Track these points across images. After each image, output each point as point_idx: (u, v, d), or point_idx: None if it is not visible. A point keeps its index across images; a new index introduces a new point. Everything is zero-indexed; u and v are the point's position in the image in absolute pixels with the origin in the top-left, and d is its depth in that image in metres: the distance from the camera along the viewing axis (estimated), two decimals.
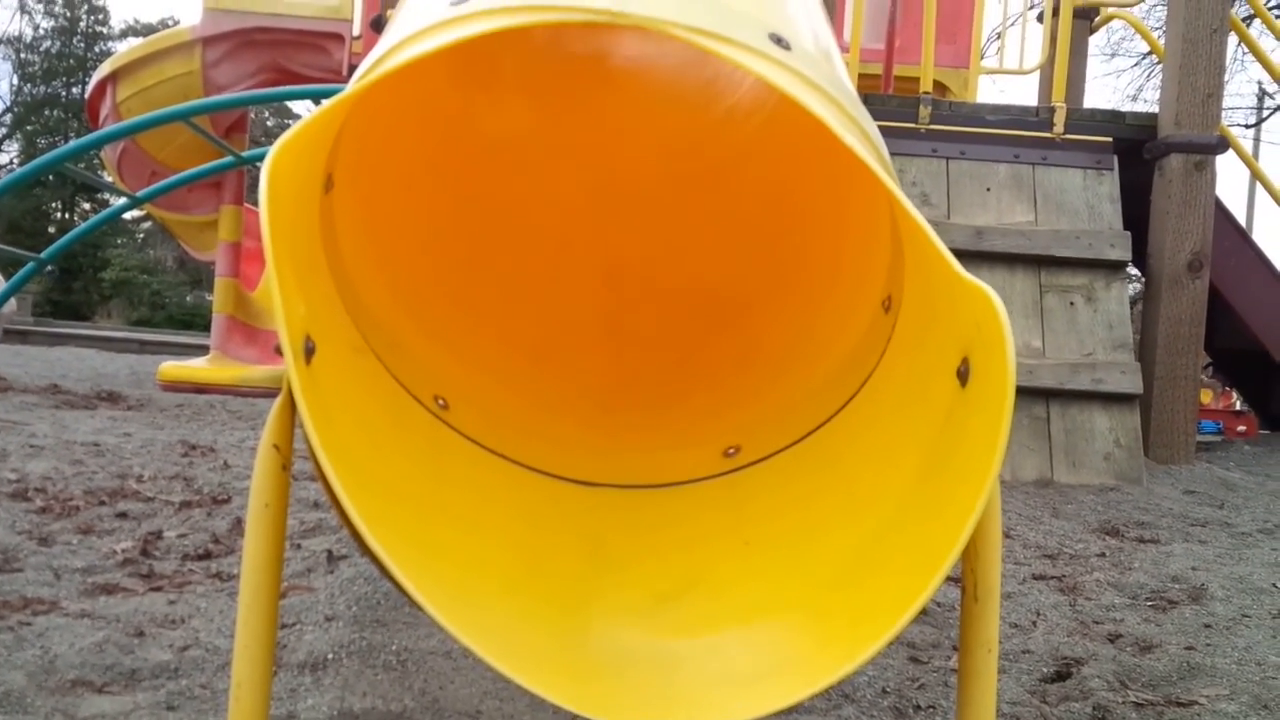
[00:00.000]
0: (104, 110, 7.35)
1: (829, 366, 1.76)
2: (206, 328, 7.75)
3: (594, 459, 1.80)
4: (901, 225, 1.44)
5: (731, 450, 1.78)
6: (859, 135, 1.25)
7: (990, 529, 1.29)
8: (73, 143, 6.04)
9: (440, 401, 1.72)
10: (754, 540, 1.61)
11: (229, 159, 6.42)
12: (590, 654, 1.39)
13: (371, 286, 1.74)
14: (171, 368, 7.09)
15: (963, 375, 1.29)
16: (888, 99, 5.37)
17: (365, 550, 1.31)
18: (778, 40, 1.19)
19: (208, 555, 2.28)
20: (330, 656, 1.67)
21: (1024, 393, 4.52)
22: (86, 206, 31.82)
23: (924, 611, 2.21)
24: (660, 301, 2.10)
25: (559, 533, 1.64)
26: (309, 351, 1.27)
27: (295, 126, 1.17)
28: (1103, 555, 3.02)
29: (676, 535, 1.68)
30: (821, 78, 1.22)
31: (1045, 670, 1.96)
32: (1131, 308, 5.18)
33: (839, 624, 1.34)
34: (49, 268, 6.90)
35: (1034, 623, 2.26)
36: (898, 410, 1.53)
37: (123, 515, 2.59)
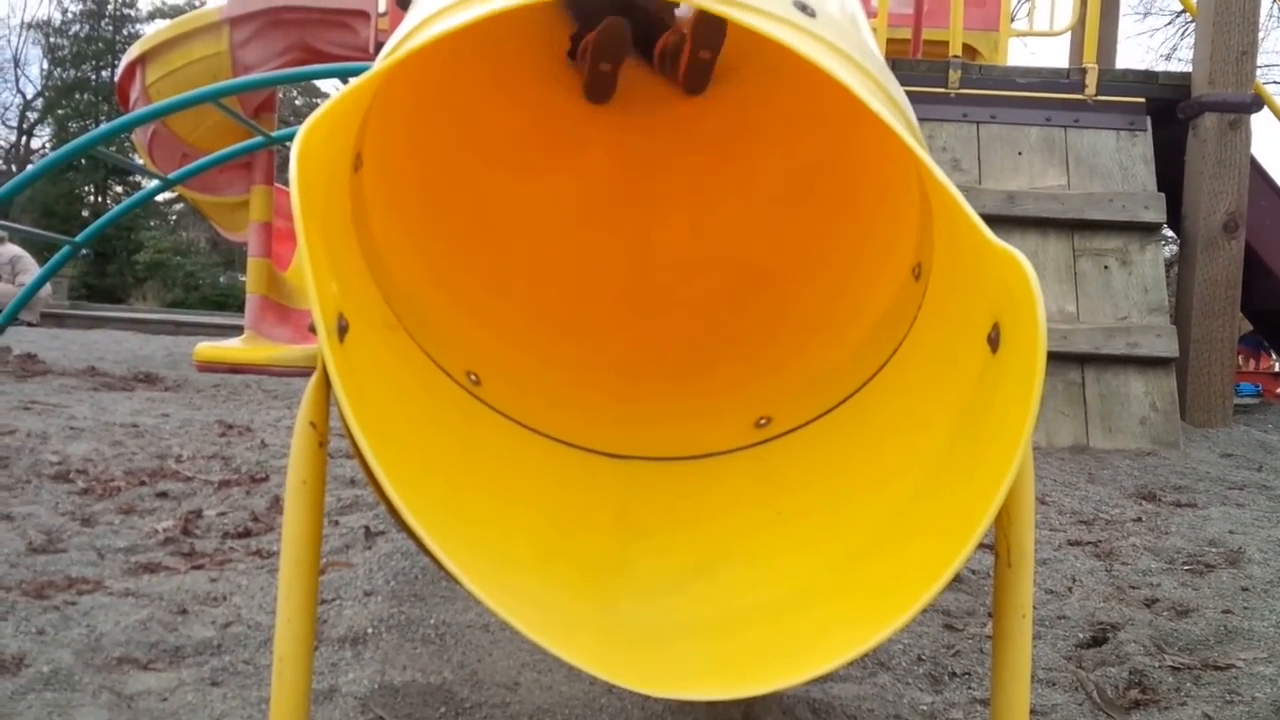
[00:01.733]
0: (134, 93, 7.39)
1: (859, 335, 1.76)
2: (240, 308, 7.80)
3: (624, 431, 1.81)
4: (930, 192, 1.44)
5: (762, 421, 1.78)
6: (886, 102, 1.24)
7: (1023, 494, 1.29)
8: (103, 126, 6.08)
9: (472, 376, 1.73)
10: (785, 510, 1.61)
11: (259, 139, 6.44)
12: (622, 624, 1.41)
13: (403, 263, 1.75)
14: (207, 349, 7.14)
15: (993, 341, 1.29)
16: (916, 64, 5.31)
17: (402, 525, 1.33)
18: (802, 7, 1.19)
19: (247, 533, 2.31)
20: (370, 631, 1.69)
21: (1058, 358, 4.49)
22: (119, 189, 32.04)
23: (958, 578, 2.21)
24: (689, 272, 2.10)
25: (590, 505, 1.65)
26: (342, 330, 1.29)
27: (323, 106, 1.18)
28: (1139, 520, 3.00)
29: (707, 506, 1.69)
30: (848, 44, 1.22)
31: (1081, 635, 1.96)
32: (1167, 270, 5.12)
33: (871, 592, 1.35)
34: (83, 251, 6.97)
35: (1069, 588, 2.26)
36: (928, 378, 1.52)
37: (163, 495, 2.63)
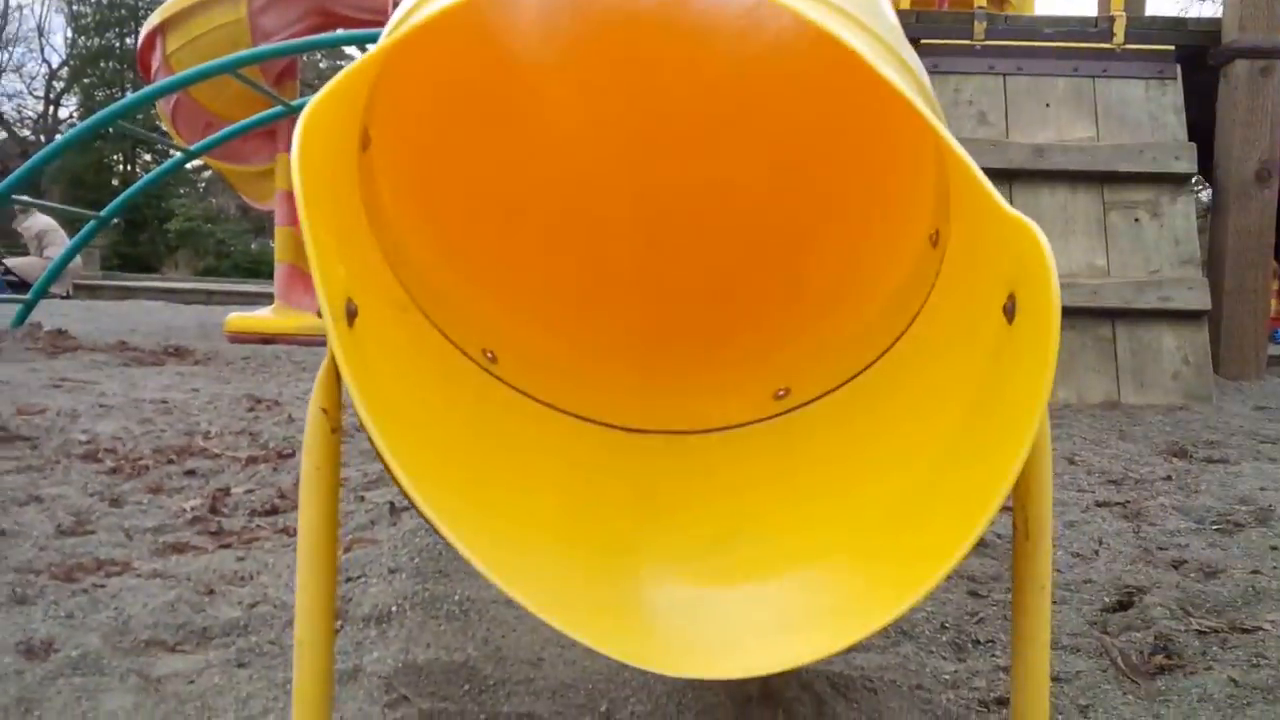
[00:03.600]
0: (154, 62, 7.41)
1: (877, 304, 1.74)
2: (271, 275, 7.83)
3: (642, 406, 1.80)
4: (945, 158, 1.42)
5: (781, 393, 1.77)
6: (898, 67, 1.22)
7: (1040, 465, 1.28)
8: (124, 100, 6.10)
9: (489, 354, 1.73)
10: (803, 483, 1.61)
11: (279, 108, 6.45)
12: (641, 604, 1.41)
13: (416, 241, 1.74)
14: (238, 319, 7.18)
15: (1009, 311, 1.28)
16: (941, 15, 5.23)
17: (418, 511, 1.33)
18: None
19: (274, 510, 2.34)
20: (394, 609, 1.71)
21: (1089, 314, 4.44)
22: (148, 158, 32.15)
23: (983, 544, 2.20)
24: (704, 241, 2.09)
25: (608, 482, 1.65)
26: (351, 314, 1.29)
27: (326, 86, 1.17)
28: (1169, 479, 2.98)
29: (726, 480, 1.68)
30: (858, 8, 1.20)
31: (1107, 600, 1.95)
32: (1199, 220, 5.04)
33: (890, 565, 1.34)
34: (114, 221, 7.01)
35: (1096, 552, 2.24)
36: (946, 348, 1.51)
37: (191, 473, 2.65)
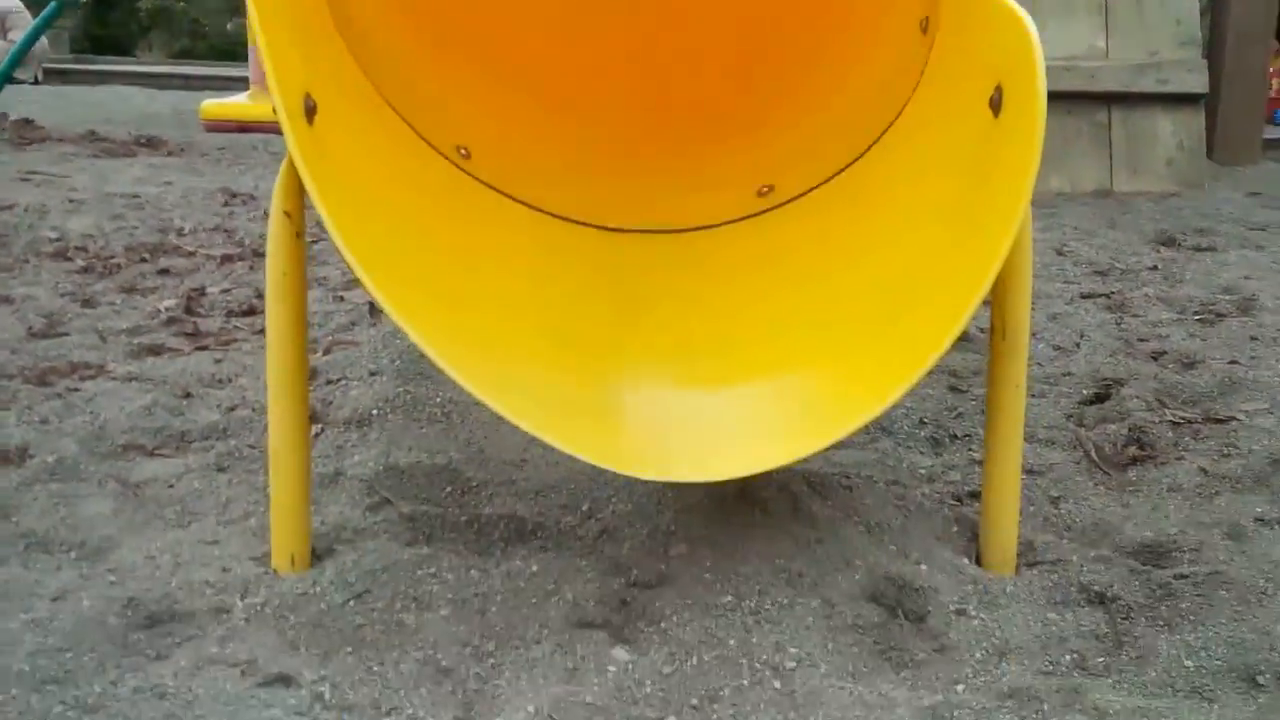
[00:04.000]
0: None
1: (865, 92, 1.68)
2: (248, 58, 7.53)
3: (623, 204, 1.76)
4: None
5: (765, 189, 1.73)
6: None
7: (1020, 264, 1.26)
8: None
9: (462, 150, 1.67)
10: (786, 281, 1.58)
11: None
12: (620, 408, 1.41)
13: (385, 30, 1.65)
14: (213, 105, 6.95)
15: (995, 104, 1.23)
16: None
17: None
18: None
19: (252, 311, 2.31)
20: (375, 412, 1.71)
21: (1085, 98, 4.32)
22: None
23: (965, 338, 2.20)
24: (691, 32, 1.99)
25: (588, 284, 1.62)
26: (310, 110, 1.23)
27: None
28: (1155, 268, 2.96)
29: (708, 279, 1.66)
30: None
31: (1085, 393, 1.96)
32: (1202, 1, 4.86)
33: (868, 366, 1.34)
34: (79, 1, 6.69)
35: (1077, 344, 2.25)
36: (931, 143, 1.46)
37: (165, 272, 2.61)
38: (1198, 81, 4.34)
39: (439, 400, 1.75)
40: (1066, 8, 4.40)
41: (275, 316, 1.23)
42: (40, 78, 11.40)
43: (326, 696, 1.04)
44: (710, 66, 1.94)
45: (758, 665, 1.11)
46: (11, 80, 6.67)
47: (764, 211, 1.71)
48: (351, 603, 1.18)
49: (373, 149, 1.52)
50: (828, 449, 1.25)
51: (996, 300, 1.27)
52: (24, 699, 1.01)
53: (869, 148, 1.59)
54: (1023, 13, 1.10)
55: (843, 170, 1.64)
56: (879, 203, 1.55)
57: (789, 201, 1.69)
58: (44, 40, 11.39)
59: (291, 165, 1.17)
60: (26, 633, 1.11)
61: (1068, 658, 1.16)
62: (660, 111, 1.91)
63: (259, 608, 1.17)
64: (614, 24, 1.94)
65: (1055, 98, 4.78)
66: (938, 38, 1.45)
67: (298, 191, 1.20)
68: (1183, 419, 1.82)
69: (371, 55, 1.56)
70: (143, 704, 1.00)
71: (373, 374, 1.88)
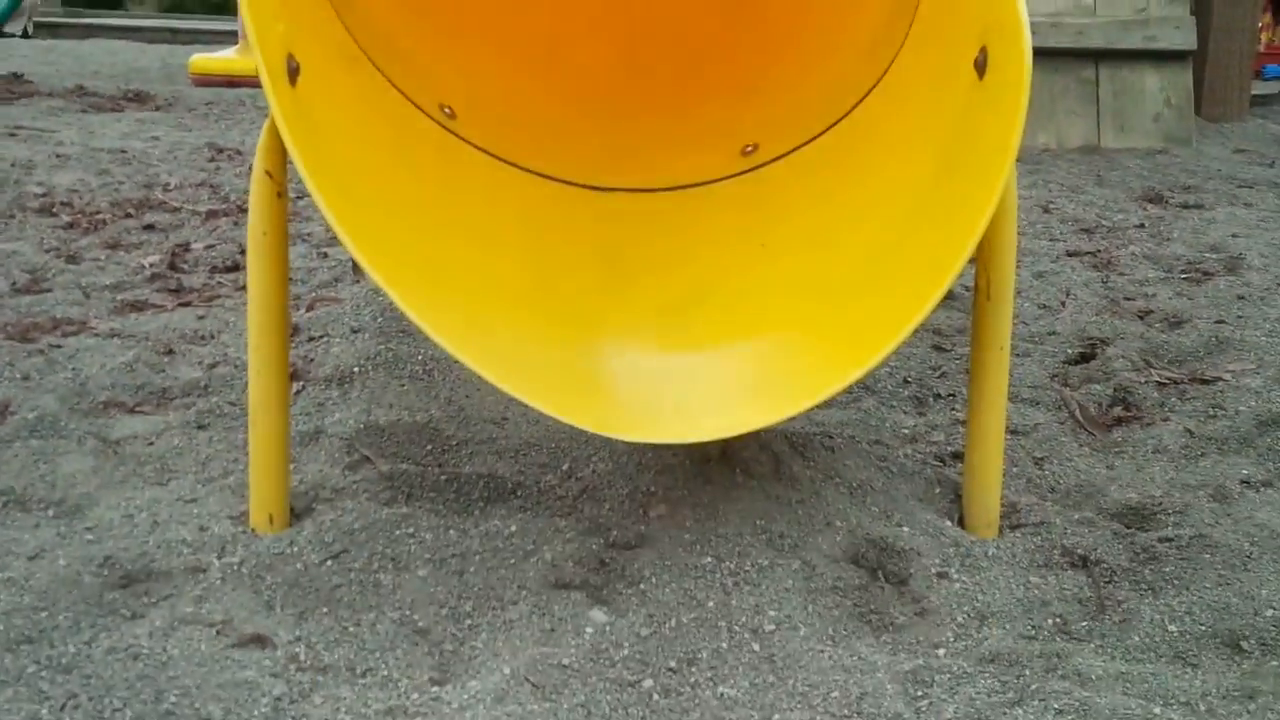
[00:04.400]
0: None
1: (850, 52, 1.66)
2: (238, 12, 7.41)
3: (609, 163, 1.74)
4: None
5: (749, 148, 1.71)
6: None
7: (1005, 225, 1.25)
8: None
9: (446, 110, 1.65)
10: (770, 242, 1.57)
11: None
12: (603, 370, 1.40)
13: None
14: (202, 60, 6.86)
15: (980, 66, 1.21)
16: None
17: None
18: None
19: (235, 267, 2.29)
20: (357, 369, 1.70)
21: (1072, 55, 4.29)
22: None
23: (951, 296, 2.19)
24: None
25: (571, 245, 1.61)
26: (293, 71, 1.21)
27: None
28: (1142, 226, 2.95)
29: (692, 239, 1.64)
30: None
31: (1070, 352, 1.96)
32: None
33: (852, 327, 1.33)
34: None
35: (1063, 303, 2.24)
36: (916, 103, 1.44)
37: (150, 227, 2.59)
38: (1185, 38, 4.32)
39: (421, 358, 1.74)
40: None
41: (256, 275, 1.22)
42: (30, 31, 11.26)
43: (301, 657, 1.04)
44: (696, 23, 1.92)
45: (736, 628, 1.11)
46: (1, 34, 6.59)
47: (749, 170, 1.70)
48: (329, 562, 1.18)
49: (357, 109, 1.50)
50: (811, 409, 1.25)
51: (981, 260, 1.27)
52: None
53: (854, 107, 1.57)
54: None
55: (828, 130, 1.62)
56: (864, 163, 1.54)
57: (774, 160, 1.68)
58: None
59: (274, 126, 1.16)
60: (2, 591, 1.11)
61: (1050, 622, 1.16)
62: (645, 68, 1.89)
63: (235, 567, 1.17)
64: None
65: (1042, 54, 4.77)
66: None
67: (279, 151, 1.19)
68: (1169, 379, 1.82)
69: (356, 14, 1.54)
70: (116, 664, 1.00)
71: (355, 331, 1.86)
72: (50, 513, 1.30)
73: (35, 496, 1.32)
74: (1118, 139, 4.31)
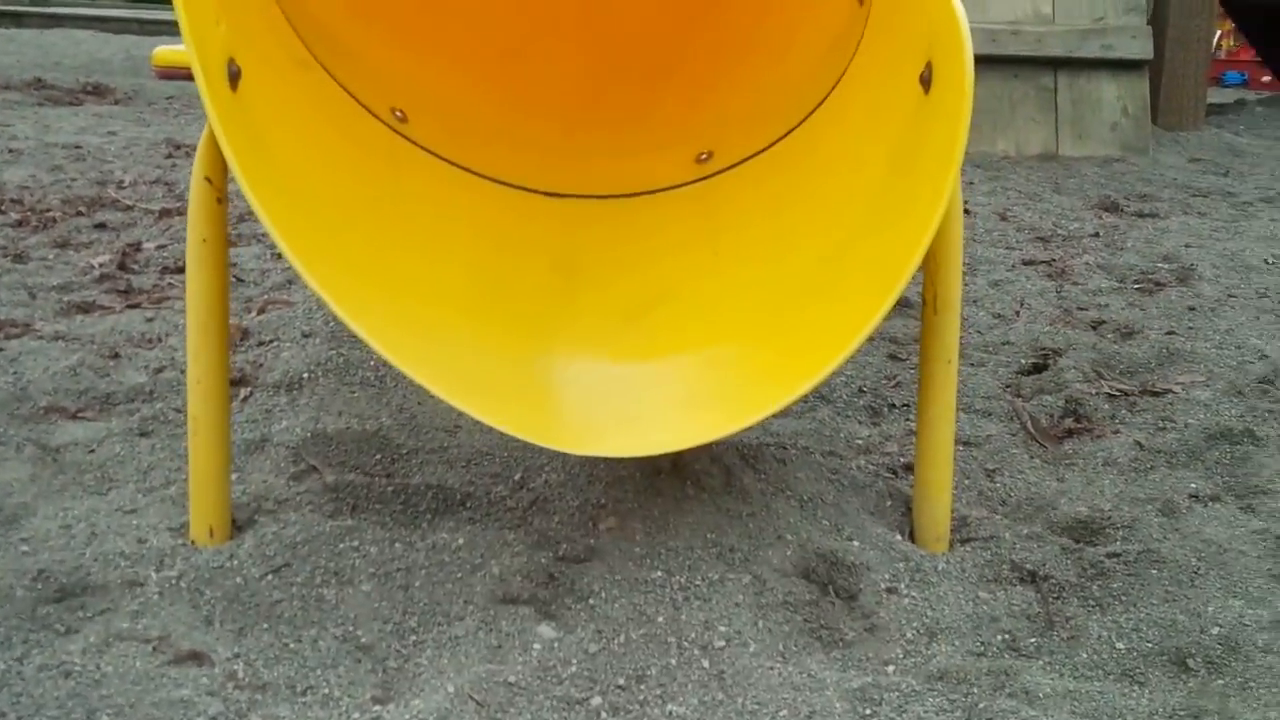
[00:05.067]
0: None
1: (802, 63, 1.65)
2: None
3: (563, 168, 1.72)
4: None
5: (704, 155, 1.70)
6: None
7: (950, 240, 1.25)
8: None
9: (398, 114, 1.63)
10: (723, 250, 1.56)
11: None
12: (553, 381, 1.38)
13: None
14: (166, 52, 6.75)
15: (925, 81, 1.21)
16: None
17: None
18: None
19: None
20: (306, 375, 1.67)
21: (1031, 63, 4.32)
22: None
23: (906, 304, 2.20)
24: None
25: (523, 251, 1.59)
26: (234, 75, 1.19)
27: None
28: (1097, 235, 2.97)
29: (646, 247, 1.63)
30: None
31: (1023, 362, 1.96)
32: None
33: (803, 339, 1.32)
34: None
35: (1017, 312, 2.25)
36: (866, 114, 1.44)
37: (101, 226, 2.54)
38: (1142, 48, 4.36)
39: (372, 364, 1.72)
40: None
41: (195, 282, 1.19)
42: None
43: (240, 675, 1.02)
44: (652, 30, 1.91)
45: (686, 644, 1.10)
46: None
47: (702, 179, 1.69)
48: (270, 576, 1.16)
49: (303, 112, 1.48)
50: (764, 420, 1.24)
51: (928, 273, 1.27)
52: None
53: (805, 117, 1.57)
54: None
55: (780, 139, 1.62)
56: (815, 172, 1.54)
57: (727, 169, 1.67)
58: None
59: (212, 131, 1.13)
60: None
61: (999, 638, 1.16)
62: (601, 74, 1.88)
63: (174, 581, 1.14)
64: None
65: (1002, 61, 4.79)
66: (872, 11, 1.43)
67: (219, 157, 1.16)
68: (1120, 391, 1.83)
69: (305, 16, 1.51)
70: (48, 682, 0.97)
71: (305, 336, 1.84)
72: None
73: None
74: (1076, 147, 4.34)
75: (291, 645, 1.07)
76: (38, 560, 1.16)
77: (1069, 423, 1.72)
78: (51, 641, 1.04)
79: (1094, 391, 1.81)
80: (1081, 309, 2.28)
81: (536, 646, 1.08)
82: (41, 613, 1.08)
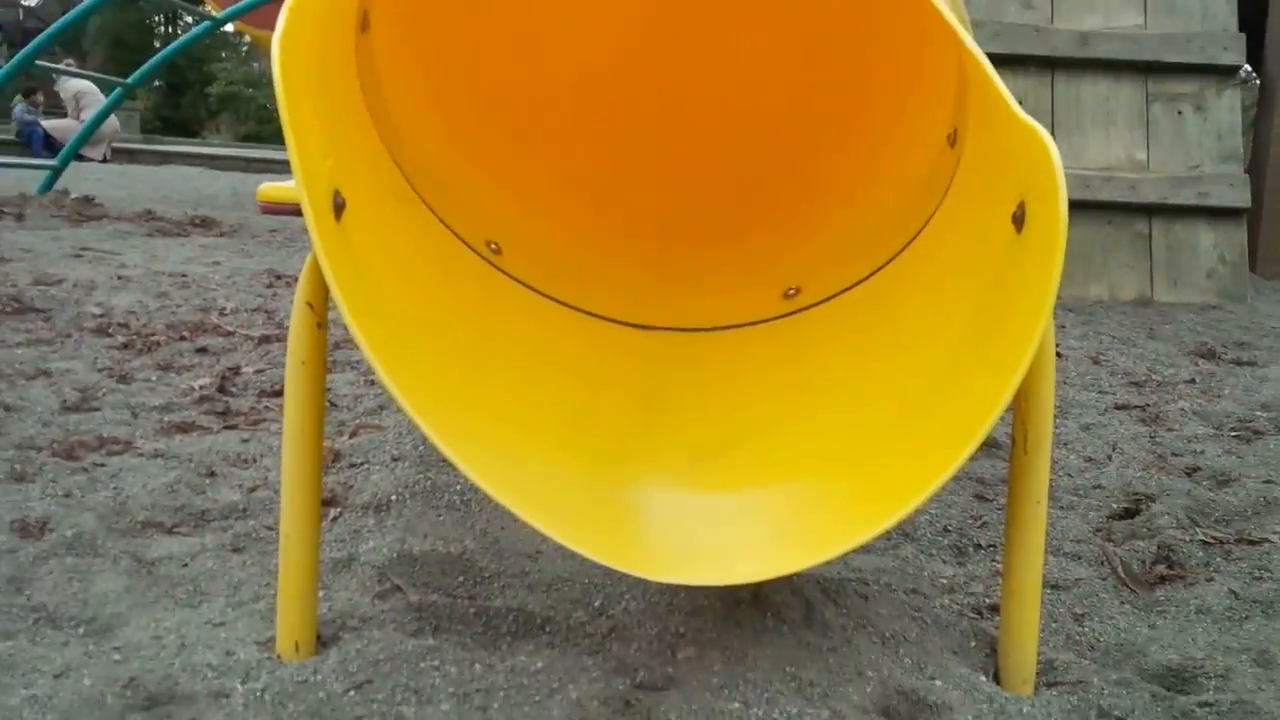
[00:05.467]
0: None
1: (892, 203, 1.69)
2: None
3: (651, 301, 1.77)
4: (964, 60, 1.35)
5: (791, 291, 1.73)
6: None
7: (1042, 378, 1.24)
8: None
9: (493, 246, 1.69)
10: (809, 387, 1.58)
11: None
12: (637, 509, 1.40)
13: (420, 128, 1.69)
14: (270, 189, 7.10)
15: (1018, 220, 1.23)
16: None
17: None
18: None
19: (283, 392, 2.32)
20: (394, 498, 1.71)
21: (1126, 209, 4.34)
22: (189, 20, 31.84)
23: (994, 445, 2.18)
24: (726, 135, 2.02)
25: (611, 384, 1.62)
26: (339, 206, 1.25)
27: None
28: (1193, 381, 2.93)
29: (732, 380, 1.66)
30: None
31: (1114, 506, 1.92)
32: (1246, 115, 4.88)
33: (887, 475, 1.32)
34: (153, 84, 6.92)
35: (1109, 456, 2.21)
36: (957, 253, 1.46)
37: (203, 350, 2.65)
38: (1239, 196, 4.35)
39: (458, 488, 1.75)
40: (1107, 120, 4.44)
41: (292, 404, 1.24)
42: (109, 156, 11.72)
43: None
44: (745, 166, 1.97)
45: None
46: (80, 158, 6.87)
47: (791, 314, 1.72)
48: (352, 693, 1.17)
49: (402, 243, 1.54)
50: (845, 554, 1.24)
51: (1018, 414, 1.26)
52: None
53: (896, 255, 1.59)
54: (1043, 132, 1.11)
55: (869, 276, 1.64)
56: (903, 309, 1.55)
57: (816, 305, 1.70)
58: (115, 120, 11.72)
59: (316, 259, 1.19)
60: (26, 709, 1.11)
61: None
62: (694, 208, 1.94)
63: (258, 693, 1.16)
64: (647, 124, 1.98)
65: (1096, 207, 4.81)
66: (964, 153, 1.46)
67: (321, 284, 1.22)
68: (1214, 538, 1.78)
69: (404, 147, 1.59)
70: None
71: (395, 459, 1.88)
72: (80, 631, 1.30)
73: (67, 614, 1.33)
74: (1171, 293, 4.31)
75: None
76: (129, 668, 1.19)
77: (1161, 569, 1.68)
78: None
79: (1188, 538, 1.77)
80: (1176, 455, 2.24)
81: None
82: None
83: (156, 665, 1.20)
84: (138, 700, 1.14)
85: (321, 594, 1.33)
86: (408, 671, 1.21)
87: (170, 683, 1.17)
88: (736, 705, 1.19)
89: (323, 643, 1.27)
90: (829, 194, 1.84)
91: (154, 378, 2.38)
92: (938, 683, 1.27)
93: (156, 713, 1.13)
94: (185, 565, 1.48)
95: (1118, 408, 2.62)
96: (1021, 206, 1.20)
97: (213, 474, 1.80)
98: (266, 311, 3.17)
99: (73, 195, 5.94)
